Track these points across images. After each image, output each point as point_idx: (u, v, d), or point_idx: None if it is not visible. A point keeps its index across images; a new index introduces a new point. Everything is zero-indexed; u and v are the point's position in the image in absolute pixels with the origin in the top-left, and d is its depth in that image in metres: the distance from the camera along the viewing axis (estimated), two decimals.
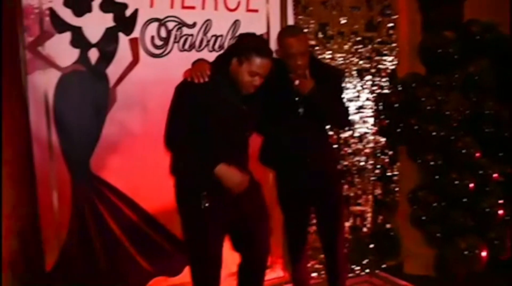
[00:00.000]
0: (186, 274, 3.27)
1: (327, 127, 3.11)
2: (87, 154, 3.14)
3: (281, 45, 2.72)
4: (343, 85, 3.16)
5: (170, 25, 3.27)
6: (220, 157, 2.40)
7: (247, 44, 2.45)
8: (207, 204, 2.44)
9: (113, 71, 3.15)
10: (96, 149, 3.15)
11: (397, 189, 4.01)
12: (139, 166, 3.25)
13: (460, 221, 3.35)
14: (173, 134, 2.47)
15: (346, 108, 3.09)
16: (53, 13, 2.95)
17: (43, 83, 2.98)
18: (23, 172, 2.94)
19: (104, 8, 3.07)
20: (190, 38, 3.34)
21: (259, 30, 3.51)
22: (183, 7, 3.29)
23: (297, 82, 2.70)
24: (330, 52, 3.75)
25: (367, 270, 3.95)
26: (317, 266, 3.75)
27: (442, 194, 3.44)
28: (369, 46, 3.88)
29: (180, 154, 2.53)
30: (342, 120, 3.01)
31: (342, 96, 3.03)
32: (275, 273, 3.78)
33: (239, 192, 2.44)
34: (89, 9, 3.04)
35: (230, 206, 2.50)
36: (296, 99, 2.74)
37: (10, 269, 2.81)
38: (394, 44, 3.95)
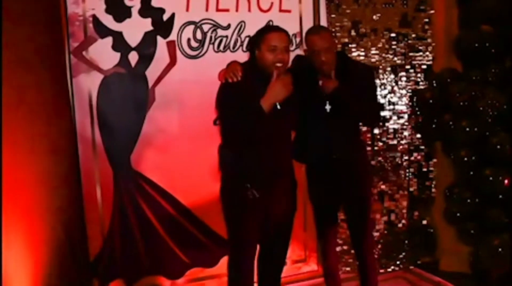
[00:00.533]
0: (221, 266, 3.44)
1: (358, 124, 3.14)
2: (128, 151, 3.34)
3: (306, 44, 2.83)
4: (374, 82, 3.18)
5: (206, 27, 3.41)
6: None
7: (257, 31, 2.65)
8: (251, 196, 2.58)
9: (152, 72, 3.32)
10: (136, 146, 3.34)
11: (433, 185, 3.99)
12: (177, 162, 3.42)
13: (494, 218, 3.32)
14: (229, 135, 2.61)
15: (376, 105, 3.11)
16: (95, 20, 3.16)
17: (87, 85, 3.20)
18: (69, 168, 3.16)
19: (142, 13, 3.25)
20: (224, 39, 3.46)
21: (292, 30, 3.60)
22: (218, 10, 3.42)
23: (320, 82, 2.78)
24: (363, 49, 3.79)
25: (402, 266, 3.97)
26: (351, 260, 3.81)
27: (476, 191, 3.41)
28: (404, 42, 3.88)
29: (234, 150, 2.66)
30: (371, 117, 3.04)
31: (373, 93, 3.06)
32: (309, 266, 3.87)
33: (290, 92, 2.55)
34: (128, 15, 3.23)
35: (269, 199, 2.64)
36: (322, 95, 2.81)
37: (56, 258, 3.02)
38: (429, 40, 3.93)
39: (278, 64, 2.54)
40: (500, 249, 3.27)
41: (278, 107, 2.58)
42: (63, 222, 3.07)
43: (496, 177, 3.29)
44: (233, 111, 2.52)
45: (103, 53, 3.20)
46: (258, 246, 2.81)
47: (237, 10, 3.47)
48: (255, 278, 2.87)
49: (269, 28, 2.63)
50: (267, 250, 2.86)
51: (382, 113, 3.85)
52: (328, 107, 2.83)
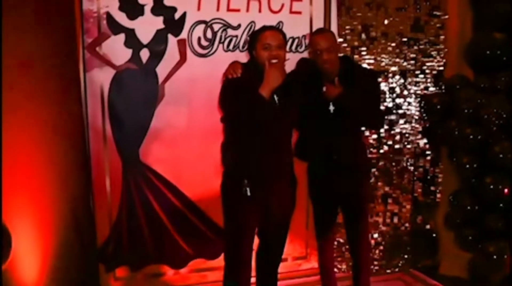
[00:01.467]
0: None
1: (360, 126, 3.18)
2: (137, 144, 3.47)
3: (310, 45, 2.93)
4: (378, 87, 3.24)
5: (216, 27, 3.50)
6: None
7: (252, 32, 2.83)
8: (248, 192, 2.67)
9: (162, 69, 3.44)
10: (145, 140, 3.47)
11: (438, 190, 4.01)
12: (184, 156, 3.55)
13: (492, 225, 3.33)
14: (232, 129, 2.74)
15: (379, 110, 3.16)
16: (109, 17, 3.29)
17: (99, 79, 3.33)
18: (79, 158, 3.31)
19: (155, 11, 3.36)
20: (234, 39, 3.55)
21: (302, 31, 3.67)
22: (228, 10, 3.50)
23: (324, 88, 2.85)
24: (374, 52, 3.81)
25: (403, 268, 4.01)
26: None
27: (477, 198, 3.42)
28: (415, 47, 3.89)
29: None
30: (374, 121, 3.10)
31: (376, 98, 3.11)
32: (309, 264, 3.94)
33: (284, 76, 2.65)
34: (141, 13, 3.34)
35: (267, 196, 2.74)
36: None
37: (63, 243, 3.18)
38: (441, 45, 3.93)
39: (274, 61, 2.63)
40: (495, 256, 3.28)
41: (277, 103, 2.68)
42: (72, 209, 3.22)
43: (497, 186, 3.30)
44: (235, 103, 2.62)
45: (116, 49, 3.33)
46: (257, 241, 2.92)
47: (247, 11, 3.54)
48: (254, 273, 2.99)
49: (263, 28, 2.73)
50: (265, 245, 2.96)
51: (391, 117, 3.89)
52: (332, 107, 2.91)
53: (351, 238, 3.14)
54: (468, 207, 3.48)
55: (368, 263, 3.18)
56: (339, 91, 2.82)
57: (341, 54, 3.12)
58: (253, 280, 2.97)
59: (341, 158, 2.93)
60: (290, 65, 3.01)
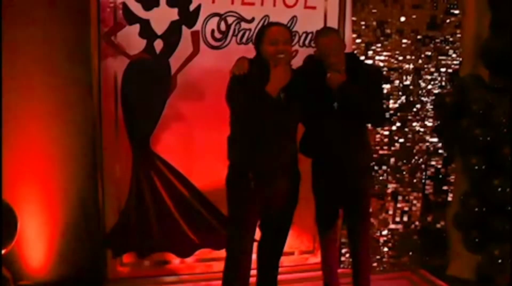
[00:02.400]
0: None
1: (364, 123, 3.15)
2: (148, 133, 3.53)
3: (316, 46, 2.94)
4: (381, 83, 3.24)
5: (230, 19, 3.53)
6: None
7: (259, 28, 2.91)
8: (252, 186, 2.72)
9: (175, 60, 3.48)
10: (156, 129, 3.53)
11: (450, 189, 3.98)
12: (193, 147, 3.60)
13: (498, 228, 3.29)
14: (238, 124, 2.79)
15: (382, 107, 3.17)
16: (125, 7, 3.35)
17: (113, 68, 3.40)
18: (88, 144, 3.39)
19: (170, 3, 3.41)
20: (248, 32, 3.57)
21: (316, 26, 3.64)
22: (243, 3, 3.54)
23: (329, 75, 2.85)
24: (388, 49, 3.79)
25: (412, 267, 3.99)
26: None
27: (484, 199, 3.38)
28: (431, 45, 3.86)
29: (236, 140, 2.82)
30: (376, 117, 3.09)
31: (379, 93, 3.11)
32: (316, 258, 3.92)
33: (290, 76, 2.68)
34: (156, 4, 3.40)
35: (270, 190, 2.77)
36: (331, 93, 2.88)
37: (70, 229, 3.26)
38: (457, 44, 3.89)
39: (280, 55, 2.66)
40: (500, 260, 3.24)
41: (283, 100, 2.70)
42: (80, 195, 3.30)
43: (504, 188, 3.25)
44: (241, 99, 2.65)
45: (130, 39, 3.39)
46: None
47: (262, 4, 3.56)
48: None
49: (270, 24, 2.80)
50: (266, 238, 3.00)
51: (404, 115, 3.87)
52: (336, 104, 2.91)
53: (351, 236, 3.14)
54: (476, 209, 3.44)
55: (368, 261, 3.18)
56: (343, 79, 2.83)
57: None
58: (254, 272, 3.00)
59: (344, 155, 2.93)
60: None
